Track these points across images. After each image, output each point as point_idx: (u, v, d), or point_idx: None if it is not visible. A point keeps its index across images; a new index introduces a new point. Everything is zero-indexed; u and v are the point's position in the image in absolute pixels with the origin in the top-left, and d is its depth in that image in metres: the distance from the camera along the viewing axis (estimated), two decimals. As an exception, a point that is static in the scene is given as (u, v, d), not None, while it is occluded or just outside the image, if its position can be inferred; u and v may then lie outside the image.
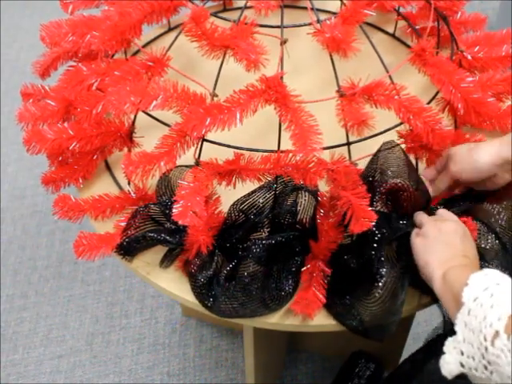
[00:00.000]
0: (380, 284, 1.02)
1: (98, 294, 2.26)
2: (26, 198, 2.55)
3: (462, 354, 0.85)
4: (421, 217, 1.07)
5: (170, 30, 1.52)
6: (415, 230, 1.06)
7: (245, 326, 1.39)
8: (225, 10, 1.56)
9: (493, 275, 0.89)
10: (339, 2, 1.28)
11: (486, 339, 0.81)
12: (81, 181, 1.23)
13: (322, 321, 1.08)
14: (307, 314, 1.05)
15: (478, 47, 1.31)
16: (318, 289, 1.05)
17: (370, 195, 1.02)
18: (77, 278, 2.30)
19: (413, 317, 1.76)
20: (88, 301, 2.25)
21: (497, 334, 0.79)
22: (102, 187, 1.24)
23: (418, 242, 1.03)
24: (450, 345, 0.88)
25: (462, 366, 0.85)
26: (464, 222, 1.06)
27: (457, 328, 0.86)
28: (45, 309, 2.23)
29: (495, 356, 0.80)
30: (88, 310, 2.22)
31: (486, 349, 0.81)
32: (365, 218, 0.98)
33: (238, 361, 2.09)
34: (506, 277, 0.89)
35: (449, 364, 0.87)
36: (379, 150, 1.09)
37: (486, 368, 0.82)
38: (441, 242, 1.01)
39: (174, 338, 2.16)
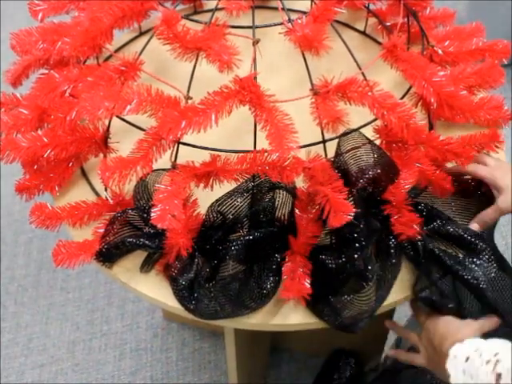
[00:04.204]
0: (367, 283, 1.03)
1: (78, 301, 2.25)
2: (2, 207, 2.53)
3: None
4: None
5: (142, 34, 1.51)
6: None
7: (226, 327, 1.39)
8: (195, 12, 1.56)
9: (459, 353, 1.00)
10: (308, 2, 1.28)
11: None
12: (57, 189, 1.22)
13: (303, 319, 1.09)
14: (300, 299, 1.06)
15: (448, 41, 1.32)
16: (303, 277, 1.06)
17: (347, 189, 1.03)
18: (56, 286, 2.29)
19: (393, 312, 1.77)
20: (68, 308, 2.23)
21: None
22: (78, 194, 1.23)
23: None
24: None
25: None
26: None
27: None
28: (24, 318, 2.22)
29: None
30: (68, 318, 2.21)
31: None
32: (343, 211, 0.99)
33: (221, 362, 2.09)
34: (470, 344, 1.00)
35: None
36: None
37: None
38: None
39: (156, 343, 2.15)
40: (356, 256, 1.03)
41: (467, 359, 0.97)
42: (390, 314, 1.75)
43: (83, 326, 2.20)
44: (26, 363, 2.12)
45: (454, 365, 0.99)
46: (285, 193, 1.06)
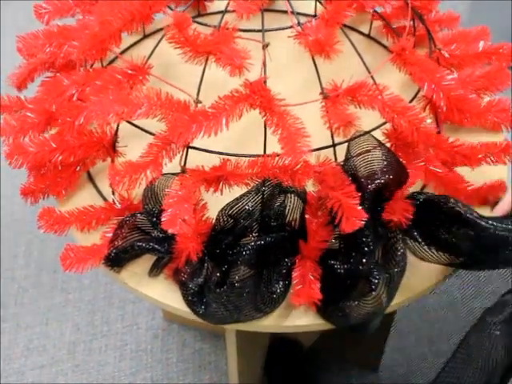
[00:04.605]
0: (374, 287, 1.03)
1: (79, 301, 2.25)
2: (2, 207, 2.53)
3: None
4: None
5: (145, 37, 1.51)
6: None
7: (227, 328, 1.39)
8: (199, 15, 1.56)
9: None
10: (311, 4, 1.28)
11: None
12: (64, 193, 1.21)
13: (315, 320, 1.08)
14: (310, 304, 1.06)
15: (454, 45, 1.32)
16: (313, 283, 1.05)
17: (359, 194, 1.02)
18: (56, 287, 2.29)
19: (394, 312, 1.77)
20: (68, 309, 2.23)
21: None
22: (84, 198, 1.23)
23: None
24: None
25: None
26: None
27: None
28: (25, 319, 2.21)
29: None
30: (69, 319, 2.21)
31: None
32: (355, 217, 0.98)
33: (222, 363, 2.09)
34: None
35: None
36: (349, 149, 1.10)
37: None
38: None
39: (157, 344, 2.15)
40: (364, 260, 1.03)
41: None
42: (390, 314, 1.75)
43: (83, 326, 2.19)
44: (26, 364, 2.11)
45: None
46: (295, 197, 1.06)
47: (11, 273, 2.33)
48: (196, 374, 2.07)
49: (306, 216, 1.08)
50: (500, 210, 1.15)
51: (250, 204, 1.06)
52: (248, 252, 1.03)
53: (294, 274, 1.06)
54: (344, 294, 1.07)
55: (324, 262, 1.07)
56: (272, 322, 1.08)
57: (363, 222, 0.98)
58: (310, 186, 1.09)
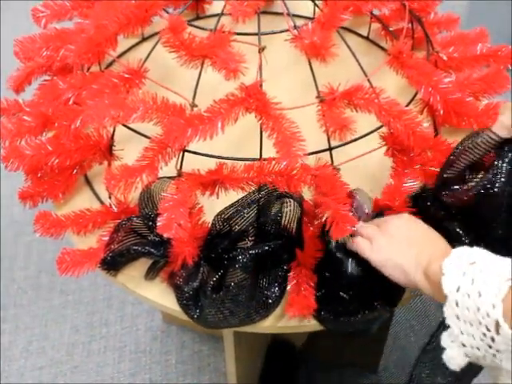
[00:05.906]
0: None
1: (78, 303, 2.25)
2: (2, 208, 2.53)
3: (464, 345, 0.82)
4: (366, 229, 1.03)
5: (144, 39, 1.50)
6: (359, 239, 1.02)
7: (224, 330, 1.39)
8: (198, 17, 1.55)
9: (465, 254, 0.86)
10: (309, 5, 1.27)
11: (489, 329, 0.78)
12: (61, 196, 1.21)
13: (315, 320, 1.07)
14: (303, 316, 1.05)
15: (452, 47, 1.31)
16: (308, 292, 1.05)
17: (350, 200, 1.02)
18: (55, 289, 2.29)
19: (392, 316, 1.77)
20: (68, 311, 2.23)
21: (497, 324, 0.77)
22: (81, 202, 1.22)
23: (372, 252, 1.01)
24: (446, 339, 0.85)
25: (467, 356, 0.83)
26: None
27: (448, 322, 0.84)
28: (24, 320, 2.21)
29: (505, 344, 0.77)
30: (68, 320, 2.21)
31: (493, 339, 0.78)
32: (345, 223, 0.98)
33: (220, 365, 2.09)
34: (478, 250, 0.86)
35: (454, 358, 0.84)
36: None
37: (494, 356, 0.80)
38: (399, 242, 0.98)
39: (156, 345, 2.15)
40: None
41: (458, 289, 0.83)
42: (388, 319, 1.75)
43: (82, 328, 2.19)
44: (26, 365, 2.11)
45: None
46: (292, 204, 1.05)
47: (11, 274, 2.34)
48: (195, 376, 2.07)
49: (303, 224, 1.07)
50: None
51: (245, 209, 1.06)
52: (245, 259, 1.02)
53: (289, 283, 1.06)
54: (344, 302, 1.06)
55: (320, 270, 1.07)
56: (269, 323, 1.08)
57: (353, 229, 0.98)
58: (308, 195, 1.09)
